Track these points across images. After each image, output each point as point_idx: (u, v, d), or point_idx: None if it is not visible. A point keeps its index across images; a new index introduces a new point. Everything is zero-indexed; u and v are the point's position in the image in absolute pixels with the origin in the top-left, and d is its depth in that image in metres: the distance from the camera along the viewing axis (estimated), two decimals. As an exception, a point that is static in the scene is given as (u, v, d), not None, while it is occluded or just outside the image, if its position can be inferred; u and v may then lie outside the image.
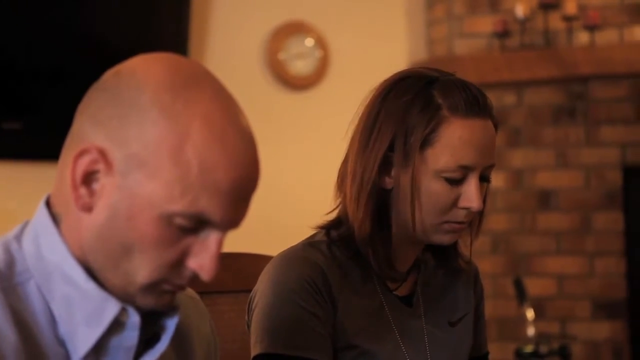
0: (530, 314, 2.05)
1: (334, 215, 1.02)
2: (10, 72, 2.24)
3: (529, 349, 1.96)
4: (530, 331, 2.03)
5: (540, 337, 2.03)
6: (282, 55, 2.53)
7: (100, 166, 0.59)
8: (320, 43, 2.54)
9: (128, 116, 0.60)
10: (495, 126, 0.97)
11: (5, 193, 2.01)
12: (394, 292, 1.01)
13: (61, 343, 0.62)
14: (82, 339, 0.62)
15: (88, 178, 0.59)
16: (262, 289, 0.98)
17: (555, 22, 2.46)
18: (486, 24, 2.57)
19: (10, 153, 2.10)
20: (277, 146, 2.33)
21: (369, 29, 2.59)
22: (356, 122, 1.00)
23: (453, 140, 0.95)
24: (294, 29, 2.54)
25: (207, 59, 2.41)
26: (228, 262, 0.97)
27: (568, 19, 2.40)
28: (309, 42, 2.56)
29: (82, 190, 0.59)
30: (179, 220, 0.59)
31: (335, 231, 1.00)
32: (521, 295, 2.10)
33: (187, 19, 2.29)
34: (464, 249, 1.10)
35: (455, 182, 0.94)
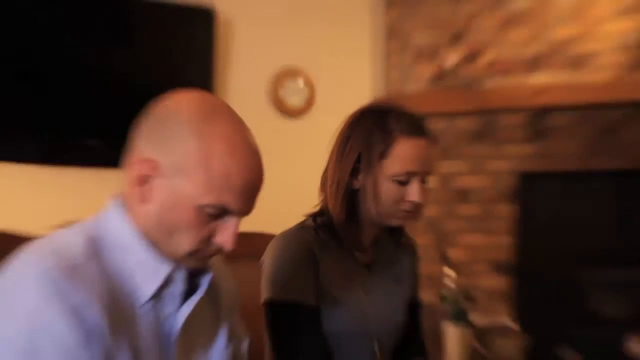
0: (450, 272, 1.88)
1: (318, 207, 1.16)
2: (91, 99, 2.31)
3: (445, 294, 1.94)
4: (450, 283, 1.95)
5: (455, 287, 1.89)
6: (281, 93, 2.76)
7: (151, 171, 0.68)
8: (308, 84, 2.77)
9: (172, 136, 0.68)
10: (433, 144, 1.09)
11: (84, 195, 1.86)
12: (360, 260, 1.16)
13: (131, 294, 0.71)
14: (147, 289, 0.72)
15: (143, 180, 0.69)
16: (268, 257, 1.12)
17: (475, 69, 2.77)
18: (427, 70, 2.86)
19: (89, 164, 2.19)
20: (278, 158, 2.09)
21: (344, 74, 2.84)
22: (333, 142, 1.14)
23: (402, 154, 1.07)
24: (290, 73, 2.75)
25: (228, 95, 2.64)
26: (244, 239, 0.98)
27: (484, 67, 2.72)
28: (300, 83, 2.79)
29: (139, 189, 0.69)
30: (208, 210, 0.68)
31: (319, 218, 1.14)
32: (445, 260, 1.98)
33: (212, 66, 2.53)
34: (408, 230, 1.27)
35: (403, 183, 1.08)
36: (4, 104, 2.18)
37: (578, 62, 2.61)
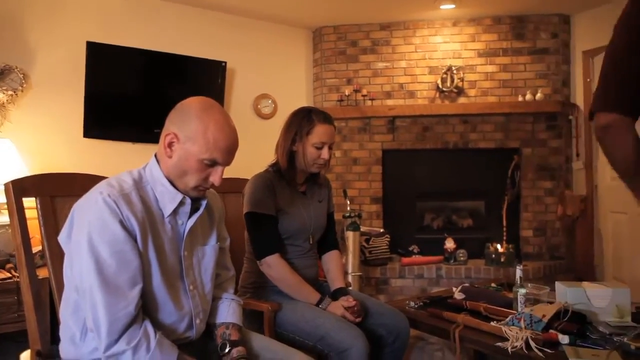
0: (348, 202, 3.26)
1: (273, 161, 1.55)
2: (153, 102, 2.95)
3: (347, 214, 3.11)
4: (348, 209, 3.18)
5: (352, 211, 3.16)
6: (259, 106, 3.66)
7: (175, 139, 0.96)
8: (274, 102, 3.69)
9: (186, 119, 0.95)
10: (334, 129, 1.49)
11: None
12: (299, 190, 1.54)
13: (160, 210, 0.97)
14: (168, 208, 0.99)
15: (169, 144, 0.96)
16: (247, 187, 1.46)
17: (359, 97, 3.71)
18: (335, 97, 3.82)
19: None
20: (257, 140, 2.82)
21: (292, 97, 3.72)
22: (283, 126, 1.55)
23: (318, 132, 1.47)
24: (264, 96, 3.68)
25: (232, 107, 3.52)
26: (231, 181, 1.57)
27: (363, 95, 3.68)
28: (269, 101, 3.70)
29: (168, 150, 0.95)
30: (205, 162, 0.94)
31: (275, 166, 1.51)
32: (345, 196, 3.29)
33: (224, 92, 3.34)
34: (327, 180, 1.65)
35: (319, 148, 1.47)
36: (124, 112, 3.09)
37: (409, 94, 3.76)
